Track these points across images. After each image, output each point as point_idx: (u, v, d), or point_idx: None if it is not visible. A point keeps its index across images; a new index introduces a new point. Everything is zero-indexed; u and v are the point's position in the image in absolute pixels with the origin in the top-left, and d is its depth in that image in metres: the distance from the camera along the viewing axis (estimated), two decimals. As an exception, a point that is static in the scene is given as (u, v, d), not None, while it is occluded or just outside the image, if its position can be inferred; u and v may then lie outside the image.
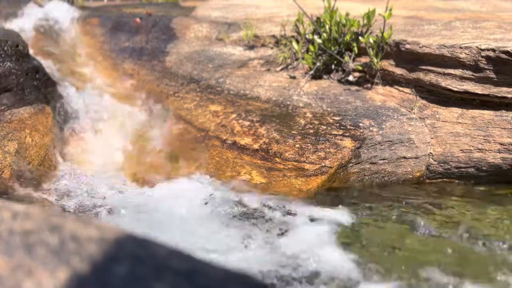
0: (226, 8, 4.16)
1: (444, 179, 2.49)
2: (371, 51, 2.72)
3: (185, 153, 2.61)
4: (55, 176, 2.35)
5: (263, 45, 3.34)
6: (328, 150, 2.37)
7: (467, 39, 2.51)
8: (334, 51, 2.93)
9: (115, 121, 2.89)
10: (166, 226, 1.92)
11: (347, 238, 1.85)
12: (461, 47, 2.40)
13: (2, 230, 0.60)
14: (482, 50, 2.33)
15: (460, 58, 2.40)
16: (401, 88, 2.70)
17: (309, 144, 2.41)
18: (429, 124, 2.51)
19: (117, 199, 2.18)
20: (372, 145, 2.42)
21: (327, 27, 2.95)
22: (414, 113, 2.56)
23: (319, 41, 2.96)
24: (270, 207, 2.06)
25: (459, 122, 2.46)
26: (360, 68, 2.84)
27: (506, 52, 2.26)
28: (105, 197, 2.18)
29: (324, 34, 2.95)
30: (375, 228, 1.95)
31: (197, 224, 1.95)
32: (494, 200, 2.23)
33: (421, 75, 2.58)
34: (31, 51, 2.79)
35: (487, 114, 2.41)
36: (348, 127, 2.48)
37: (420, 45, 2.56)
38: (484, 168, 2.40)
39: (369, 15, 2.85)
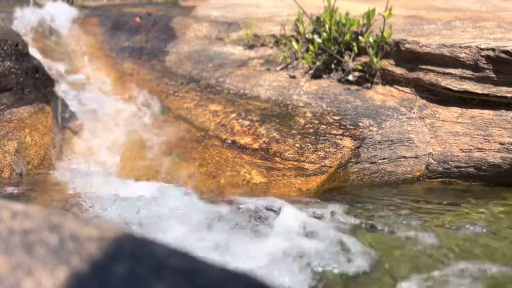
0: (226, 7, 4.15)
1: (444, 179, 2.49)
2: (371, 51, 2.72)
3: (184, 153, 2.61)
4: (54, 176, 2.35)
5: (263, 45, 3.34)
6: (328, 149, 2.37)
7: (467, 38, 2.51)
8: (334, 50, 2.93)
9: (115, 120, 2.89)
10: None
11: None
12: (461, 47, 2.40)
13: (1, 230, 0.60)
14: (482, 49, 2.33)
15: (460, 58, 2.40)
16: (401, 88, 2.70)
17: (308, 144, 2.41)
18: (429, 123, 2.51)
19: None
20: (371, 145, 2.42)
21: (327, 26, 2.95)
22: (413, 113, 2.56)
23: (319, 40, 2.96)
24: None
25: (459, 122, 2.46)
26: (360, 67, 2.84)
27: (506, 52, 2.26)
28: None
29: (324, 34, 2.95)
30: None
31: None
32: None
33: (421, 75, 2.58)
34: (30, 51, 2.79)
35: (487, 113, 2.41)
36: (348, 126, 2.48)
37: (420, 45, 2.56)
38: (484, 167, 2.40)
39: (369, 15, 2.85)
